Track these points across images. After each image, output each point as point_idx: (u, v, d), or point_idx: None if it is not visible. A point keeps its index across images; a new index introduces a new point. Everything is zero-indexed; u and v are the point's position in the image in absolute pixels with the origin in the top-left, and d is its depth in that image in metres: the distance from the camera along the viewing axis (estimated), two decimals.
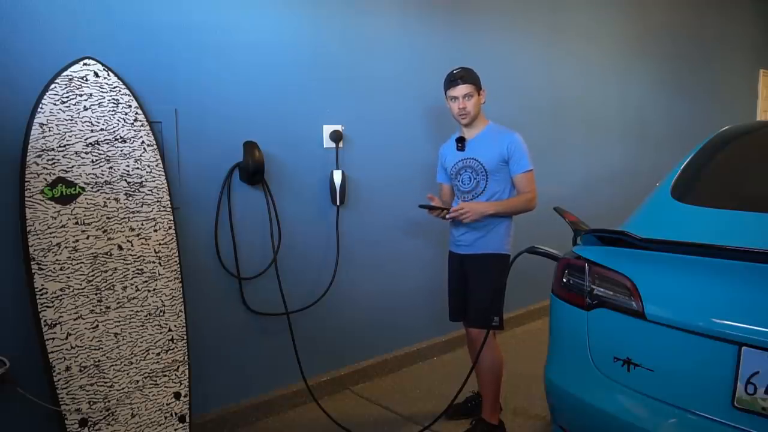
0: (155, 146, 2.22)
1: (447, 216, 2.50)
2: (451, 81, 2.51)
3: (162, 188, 2.24)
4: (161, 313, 2.24)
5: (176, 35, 2.35)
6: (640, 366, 1.55)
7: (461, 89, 2.48)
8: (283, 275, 2.69)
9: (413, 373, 3.27)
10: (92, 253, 2.07)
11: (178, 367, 2.29)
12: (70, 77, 2.02)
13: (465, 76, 2.49)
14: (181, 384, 2.29)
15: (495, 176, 2.51)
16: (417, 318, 3.36)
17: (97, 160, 2.07)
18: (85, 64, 2.06)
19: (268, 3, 2.60)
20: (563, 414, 1.82)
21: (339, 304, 3.01)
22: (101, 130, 2.09)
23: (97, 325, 2.08)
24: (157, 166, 2.22)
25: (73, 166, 2.02)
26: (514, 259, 2.33)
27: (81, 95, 2.04)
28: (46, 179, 1.96)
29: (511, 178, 2.51)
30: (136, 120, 2.17)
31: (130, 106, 2.16)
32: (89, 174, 2.06)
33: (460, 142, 2.60)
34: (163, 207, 2.25)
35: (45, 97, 1.97)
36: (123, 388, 2.15)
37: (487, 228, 2.52)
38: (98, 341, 2.08)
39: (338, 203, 2.89)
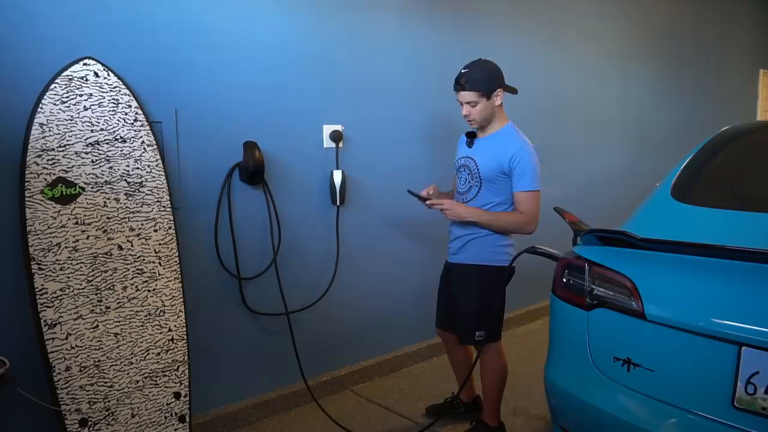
0: (155, 146, 2.22)
1: (427, 203, 2.33)
2: (456, 83, 2.31)
3: (162, 188, 2.24)
4: (161, 313, 2.24)
5: (176, 35, 2.35)
6: (640, 366, 1.55)
7: (463, 96, 2.29)
8: (283, 275, 2.69)
9: (413, 373, 3.27)
10: (92, 253, 2.07)
11: (178, 367, 2.29)
12: (70, 77, 2.02)
13: (470, 79, 2.26)
14: (181, 384, 2.29)
15: (490, 186, 2.31)
16: (417, 318, 3.36)
17: (97, 160, 2.07)
18: (85, 64, 2.06)
19: (268, 3, 2.60)
20: (563, 414, 1.82)
21: (339, 304, 3.01)
22: (101, 130, 2.09)
23: (97, 325, 2.08)
24: (157, 166, 2.22)
25: (73, 166, 2.02)
26: (513, 259, 2.32)
27: (81, 95, 2.04)
28: (46, 179, 1.96)
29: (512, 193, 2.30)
30: (136, 120, 2.17)
31: (130, 106, 2.16)
32: (89, 174, 2.06)
33: (470, 137, 2.43)
34: (163, 207, 2.25)
35: (45, 97, 1.97)
36: (123, 388, 2.15)
37: (471, 236, 2.36)
38: (98, 341, 2.08)
39: (338, 203, 2.89)
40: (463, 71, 2.30)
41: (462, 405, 2.71)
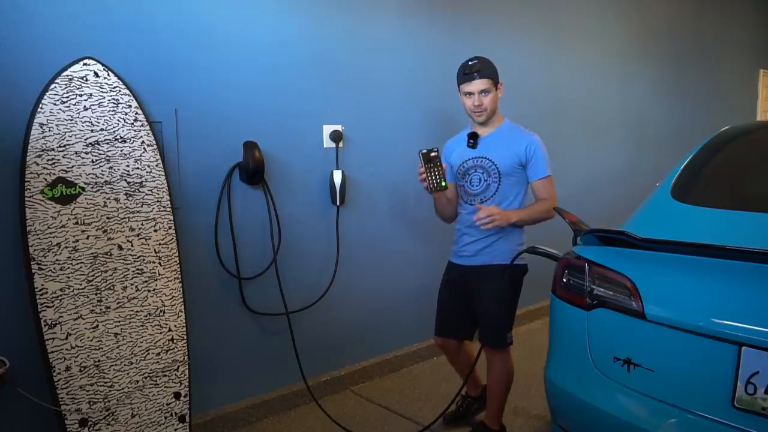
0: (155, 146, 2.22)
1: (476, 217, 2.19)
2: (466, 74, 2.28)
3: (162, 188, 2.24)
4: (161, 313, 2.24)
5: (176, 35, 2.35)
6: (640, 366, 1.55)
7: (477, 84, 2.26)
8: (283, 275, 2.69)
9: (413, 373, 3.27)
10: (92, 253, 2.07)
11: (178, 367, 2.29)
12: (70, 77, 2.02)
13: (482, 69, 2.26)
14: (181, 384, 2.29)
15: (508, 179, 2.32)
16: (417, 318, 3.36)
17: (97, 160, 2.07)
18: (85, 64, 2.06)
19: (268, 3, 2.60)
20: (563, 414, 1.82)
21: (339, 304, 3.01)
22: (101, 130, 2.09)
23: (97, 325, 2.08)
24: (157, 166, 2.22)
25: (73, 166, 2.02)
26: (513, 258, 2.32)
27: (81, 95, 2.04)
28: (46, 179, 1.96)
29: (527, 183, 2.36)
30: (136, 120, 2.17)
31: (130, 106, 2.16)
32: (89, 174, 2.06)
33: (473, 138, 2.38)
34: (163, 207, 2.25)
35: (45, 97, 1.97)
36: (123, 388, 2.15)
37: (497, 236, 2.34)
38: (98, 341, 2.08)
39: (338, 203, 2.89)
40: (471, 63, 2.30)
41: (475, 402, 2.72)
